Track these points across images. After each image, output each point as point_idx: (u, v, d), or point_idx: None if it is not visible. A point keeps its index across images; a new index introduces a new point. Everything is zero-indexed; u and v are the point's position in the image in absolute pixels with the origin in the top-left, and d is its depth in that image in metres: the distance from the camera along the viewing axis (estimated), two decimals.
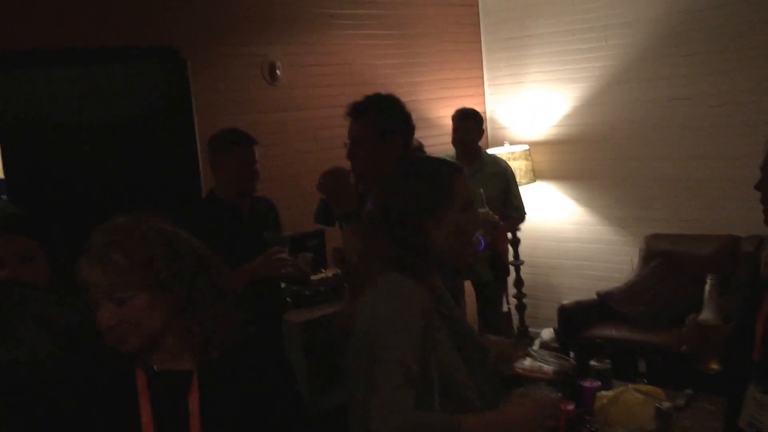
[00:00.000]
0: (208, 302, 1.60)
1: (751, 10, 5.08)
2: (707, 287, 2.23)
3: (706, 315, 2.19)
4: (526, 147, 6.20)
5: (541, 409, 1.82)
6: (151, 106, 4.53)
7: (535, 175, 6.19)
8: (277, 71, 5.14)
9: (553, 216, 6.25)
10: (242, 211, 3.44)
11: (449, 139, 5.20)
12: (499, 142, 6.37)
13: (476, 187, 4.70)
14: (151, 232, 1.54)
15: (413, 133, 2.79)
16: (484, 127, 5.32)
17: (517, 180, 5.41)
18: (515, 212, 5.18)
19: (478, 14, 6.56)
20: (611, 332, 4.99)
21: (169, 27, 4.65)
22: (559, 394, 2.00)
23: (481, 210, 4.30)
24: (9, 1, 4.10)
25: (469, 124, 5.10)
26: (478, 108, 5.48)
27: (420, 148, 4.51)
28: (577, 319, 5.24)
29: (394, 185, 1.95)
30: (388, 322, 1.78)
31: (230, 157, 3.38)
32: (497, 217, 4.40)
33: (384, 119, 2.69)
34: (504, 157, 5.56)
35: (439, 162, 1.99)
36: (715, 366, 2.16)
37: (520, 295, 6.16)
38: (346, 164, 4.82)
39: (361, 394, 1.80)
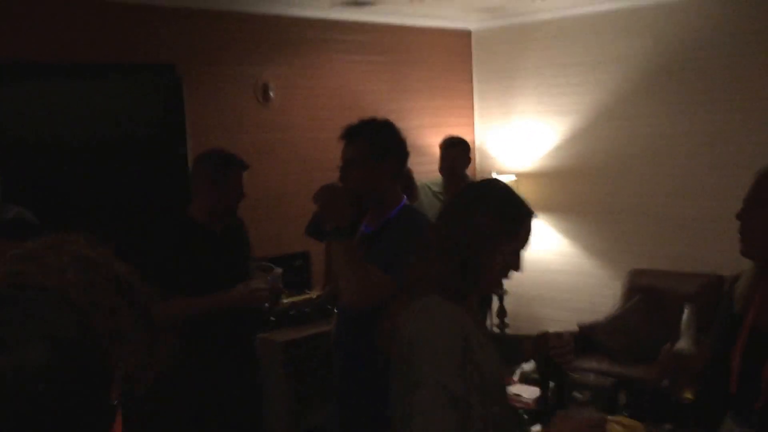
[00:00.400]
0: (130, 335, 1.48)
1: (739, 51, 5.17)
2: (684, 316, 2.24)
3: (683, 344, 2.19)
4: (514, 177, 6.24)
5: (586, 428, 1.84)
6: (145, 121, 4.56)
7: None
8: (270, 92, 5.18)
9: (538, 247, 6.29)
10: (215, 230, 3.35)
11: (438, 166, 5.24)
12: (487, 172, 6.41)
13: None
14: (65, 257, 1.40)
15: (407, 158, 2.82)
16: (471, 155, 5.36)
17: None
18: None
19: (470, 45, 6.63)
20: (592, 365, 5.00)
21: (166, 45, 4.69)
22: (603, 415, 2.02)
23: None
24: (9, 13, 4.12)
25: (456, 152, 5.14)
26: (467, 137, 5.53)
27: (409, 174, 4.53)
28: None
29: (465, 208, 1.95)
30: (430, 344, 1.79)
31: (223, 179, 3.31)
32: None
33: (378, 142, 2.73)
34: None
35: (515, 196, 1.99)
36: (689, 395, 2.15)
37: (502, 325, 6.16)
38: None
39: (400, 416, 1.80)
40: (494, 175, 6.23)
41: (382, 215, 2.79)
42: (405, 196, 2.84)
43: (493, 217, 1.89)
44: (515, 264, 1.94)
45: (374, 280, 2.60)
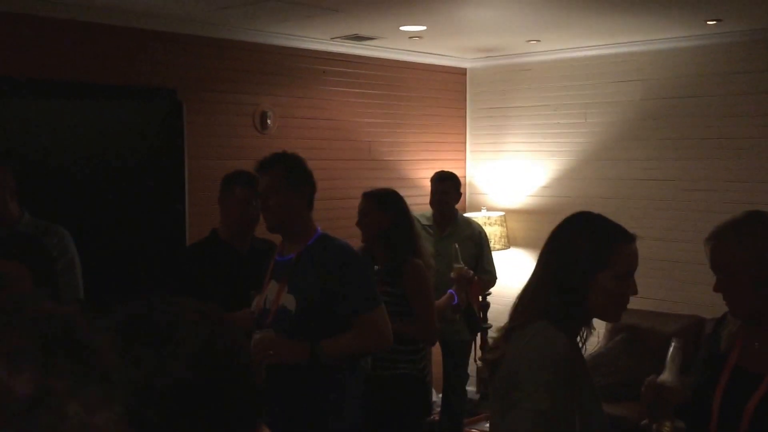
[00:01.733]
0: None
1: (726, 101, 5.32)
2: (671, 350, 2.27)
3: (666, 376, 2.22)
4: (502, 213, 6.35)
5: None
6: (145, 143, 4.64)
7: (509, 241, 6.33)
8: (268, 121, 5.27)
9: (524, 283, 6.36)
10: (241, 251, 3.52)
11: (429, 199, 5.33)
12: (477, 207, 6.51)
13: (449, 249, 4.84)
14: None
15: (315, 190, 2.99)
16: (462, 190, 5.46)
17: (492, 245, 5.53)
18: (487, 275, 5.28)
19: (465, 82, 6.76)
20: None
21: (168, 70, 4.78)
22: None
23: (456, 265, 4.43)
24: (15, 32, 4.21)
25: (447, 187, 5.22)
26: (458, 172, 5.63)
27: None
28: None
29: (565, 240, 2.07)
30: (532, 368, 1.89)
31: (230, 196, 3.50)
32: (471, 272, 4.51)
33: (293, 172, 2.90)
34: (480, 222, 5.69)
35: (610, 223, 2.11)
36: (667, 428, 2.18)
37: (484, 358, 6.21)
38: (333, 215, 4.93)
39: None
40: (483, 212, 6.32)
41: (299, 244, 2.92)
42: (318, 227, 2.99)
43: (590, 244, 2.01)
44: (624, 289, 2.03)
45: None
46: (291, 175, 2.88)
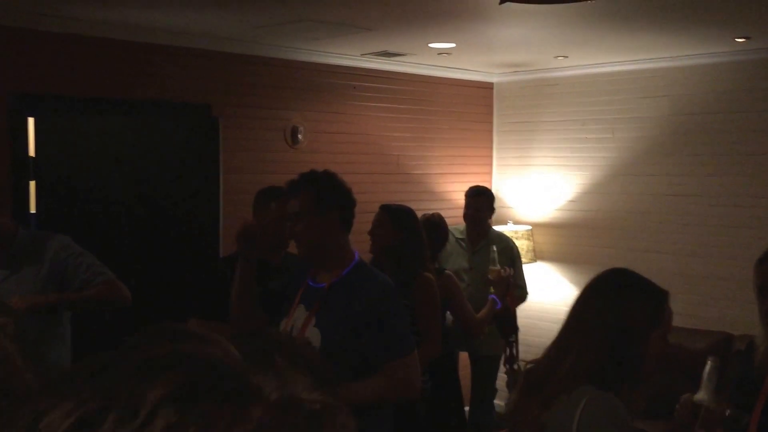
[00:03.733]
0: None
1: (754, 118, 5.33)
2: (707, 368, 2.24)
3: (703, 395, 2.20)
4: (529, 227, 6.38)
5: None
6: (181, 158, 4.75)
7: (536, 255, 6.36)
8: (299, 135, 5.36)
9: (551, 297, 6.40)
10: (272, 265, 3.49)
11: (456, 212, 5.39)
12: (503, 221, 6.55)
13: (481, 263, 4.89)
14: None
15: (352, 210, 2.78)
16: (493, 205, 5.51)
17: (521, 259, 5.57)
18: (518, 290, 5.31)
19: (492, 97, 6.82)
20: None
21: (204, 86, 4.90)
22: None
23: (493, 267, 4.46)
24: (57, 49, 4.34)
25: (481, 202, 5.28)
26: (485, 186, 5.68)
27: (441, 221, 4.68)
28: None
29: (614, 300, 1.98)
30: None
31: (264, 211, 3.47)
32: (509, 270, 4.53)
33: (319, 195, 2.68)
34: (508, 236, 5.73)
35: (650, 283, 2.05)
36: None
37: (511, 372, 6.24)
38: (363, 228, 5.02)
39: None
40: (510, 225, 6.36)
41: (334, 271, 2.71)
42: (357, 252, 2.76)
43: (642, 307, 1.95)
44: (664, 349, 2.00)
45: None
46: (319, 200, 2.67)
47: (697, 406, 2.20)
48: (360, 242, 4.92)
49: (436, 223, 4.60)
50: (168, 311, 4.34)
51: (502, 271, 4.44)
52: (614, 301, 1.97)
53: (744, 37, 4.82)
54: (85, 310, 3.46)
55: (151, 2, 3.94)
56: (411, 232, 3.92)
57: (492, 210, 5.40)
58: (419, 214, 4.32)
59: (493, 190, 6.78)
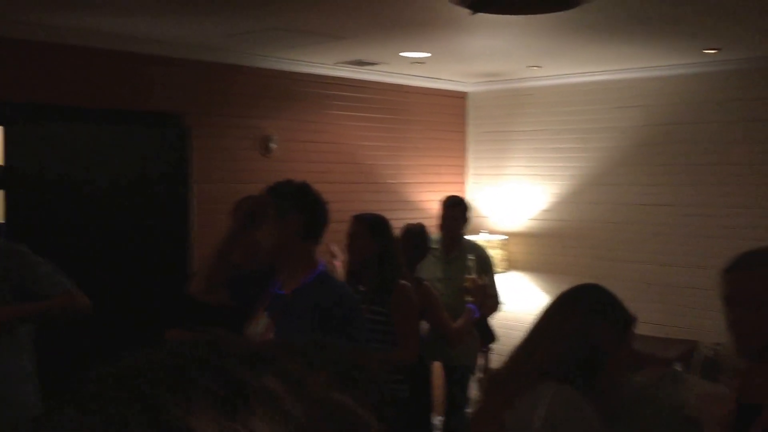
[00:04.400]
0: None
1: (724, 128, 5.39)
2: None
3: None
4: (503, 237, 6.39)
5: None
6: (152, 167, 4.70)
7: (510, 264, 6.37)
8: (272, 145, 5.33)
9: (525, 306, 6.41)
10: (248, 270, 3.51)
11: (430, 222, 5.37)
12: (477, 231, 6.56)
13: (455, 272, 4.89)
14: None
15: (320, 224, 2.76)
16: (469, 215, 5.51)
17: (494, 269, 5.57)
18: (490, 300, 5.31)
19: (465, 107, 6.84)
20: None
21: (175, 95, 4.85)
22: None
23: (469, 276, 4.46)
24: (27, 58, 4.28)
25: (458, 212, 5.28)
26: (461, 196, 5.68)
27: (423, 230, 4.71)
28: None
29: (587, 317, 2.05)
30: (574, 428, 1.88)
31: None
32: (485, 279, 4.55)
33: (284, 201, 2.70)
34: (482, 245, 5.73)
35: (621, 307, 2.12)
36: None
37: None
38: (335, 237, 4.98)
39: None
40: (484, 234, 6.37)
41: (297, 278, 2.71)
42: (322, 262, 2.77)
43: (609, 329, 2.03)
44: (630, 361, 2.08)
45: None
46: (281, 205, 2.69)
47: None
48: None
49: (419, 233, 4.62)
50: (140, 322, 4.31)
51: (479, 279, 4.45)
52: (583, 320, 2.03)
53: (714, 49, 4.87)
54: (46, 322, 3.39)
55: (123, 11, 3.90)
56: (389, 241, 3.93)
57: (467, 220, 5.40)
58: (395, 223, 4.31)
59: (467, 200, 6.80)
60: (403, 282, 3.88)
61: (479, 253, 5.33)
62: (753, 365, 2.17)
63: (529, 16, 3.74)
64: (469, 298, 4.40)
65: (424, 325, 4.24)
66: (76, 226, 4.34)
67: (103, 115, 4.57)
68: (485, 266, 5.26)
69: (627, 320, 2.09)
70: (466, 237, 5.61)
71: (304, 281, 2.70)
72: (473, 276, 4.46)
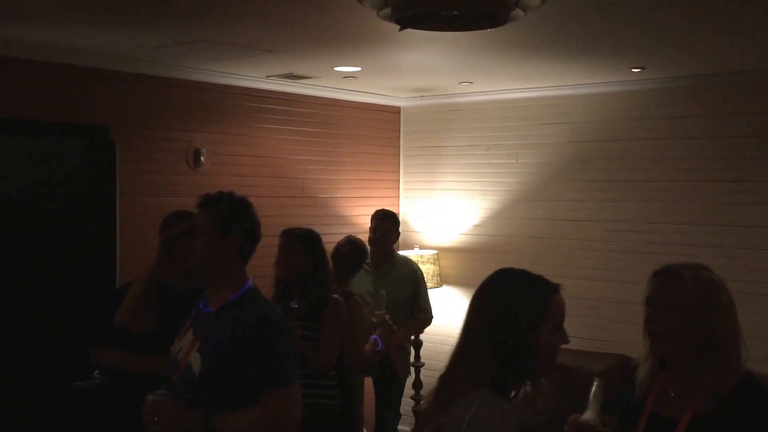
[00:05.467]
0: None
1: (650, 146, 5.51)
2: (593, 389, 2.35)
3: (589, 415, 2.29)
4: (435, 252, 6.41)
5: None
6: (76, 180, 4.56)
7: (442, 279, 6.39)
8: (201, 158, 5.24)
9: (457, 321, 6.40)
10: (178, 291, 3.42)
11: (363, 237, 5.35)
12: (410, 246, 6.57)
13: (386, 286, 4.89)
14: None
15: (255, 240, 2.74)
16: (400, 229, 5.52)
17: (425, 283, 5.58)
18: (422, 314, 5.32)
19: (399, 121, 6.85)
20: None
21: (101, 107, 4.73)
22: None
23: (377, 312, 4.48)
24: None
25: (387, 226, 5.28)
26: (391, 210, 5.68)
27: (363, 244, 4.73)
28: None
29: (498, 300, 1.99)
30: None
31: None
32: (390, 323, 4.57)
33: (225, 216, 2.65)
34: (413, 260, 5.74)
35: (537, 278, 2.05)
36: None
37: (418, 397, 6.23)
38: (267, 252, 4.96)
39: None
40: (416, 250, 6.38)
41: (223, 295, 2.65)
42: (250, 279, 2.72)
43: (527, 300, 1.95)
44: (559, 340, 2.00)
45: None
46: (221, 221, 2.63)
47: (584, 426, 2.26)
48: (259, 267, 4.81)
49: (359, 246, 4.64)
50: (64, 338, 4.17)
51: (386, 317, 4.48)
52: (499, 301, 1.98)
53: (639, 67, 4.98)
54: None
55: (49, 20, 3.78)
56: (322, 254, 3.91)
57: (397, 234, 5.41)
58: (328, 238, 4.30)
59: (400, 215, 6.81)
60: (336, 297, 3.88)
61: (410, 267, 5.34)
62: (667, 377, 2.22)
63: (456, 33, 3.77)
64: (376, 331, 4.42)
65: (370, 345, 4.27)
66: None
67: (28, 126, 4.42)
68: (416, 280, 5.27)
69: (544, 290, 2.01)
70: (398, 252, 5.61)
71: (230, 298, 2.64)
72: (383, 312, 4.49)
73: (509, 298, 1.97)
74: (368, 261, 5.22)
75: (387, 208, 5.61)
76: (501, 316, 1.94)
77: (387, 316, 4.49)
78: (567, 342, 2.03)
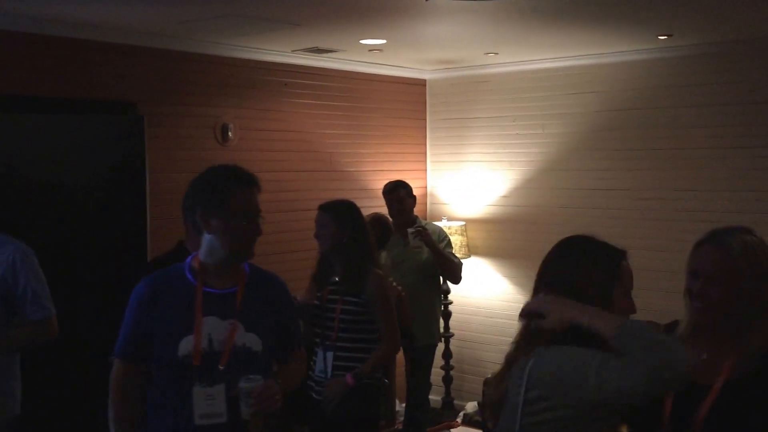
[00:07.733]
0: None
1: (677, 113, 5.46)
2: None
3: None
4: (463, 223, 6.43)
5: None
6: (106, 157, 4.61)
7: (470, 250, 6.41)
8: (229, 133, 5.29)
9: (485, 292, 6.46)
10: None
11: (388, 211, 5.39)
12: (438, 217, 6.59)
13: (411, 254, 5.04)
14: None
15: (211, 213, 2.69)
16: (421, 199, 5.55)
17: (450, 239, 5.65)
18: (456, 259, 5.41)
19: (425, 94, 6.85)
20: None
21: (129, 84, 4.79)
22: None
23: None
24: None
25: (400, 195, 5.32)
26: (419, 183, 5.71)
27: (382, 221, 4.81)
28: None
29: (573, 262, 2.03)
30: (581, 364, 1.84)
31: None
32: (400, 288, 4.61)
33: (189, 190, 2.90)
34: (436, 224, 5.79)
35: (607, 245, 2.09)
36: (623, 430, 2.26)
37: (447, 367, 6.30)
38: (295, 226, 4.97)
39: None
40: (444, 221, 6.40)
41: (234, 274, 2.64)
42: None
43: (602, 262, 2.00)
44: (630, 307, 2.04)
45: None
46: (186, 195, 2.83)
47: None
48: (305, 241, 4.86)
49: (383, 222, 4.69)
50: (95, 318, 4.24)
51: (395, 285, 4.54)
52: (574, 263, 2.01)
53: (666, 34, 4.93)
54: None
55: None
56: (358, 226, 3.81)
57: (413, 198, 5.44)
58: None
59: (428, 187, 6.84)
60: (377, 271, 3.79)
61: (434, 227, 5.44)
62: (697, 341, 2.21)
63: (481, 2, 3.75)
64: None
65: None
66: (26, 220, 4.24)
67: (55, 104, 4.49)
68: (441, 238, 5.37)
69: (614, 256, 2.04)
70: (423, 220, 5.65)
71: (247, 273, 2.68)
72: (392, 279, 4.57)
73: (585, 259, 2.01)
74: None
75: (408, 180, 5.56)
76: (575, 283, 1.98)
77: (395, 284, 4.55)
78: (634, 311, 2.06)
